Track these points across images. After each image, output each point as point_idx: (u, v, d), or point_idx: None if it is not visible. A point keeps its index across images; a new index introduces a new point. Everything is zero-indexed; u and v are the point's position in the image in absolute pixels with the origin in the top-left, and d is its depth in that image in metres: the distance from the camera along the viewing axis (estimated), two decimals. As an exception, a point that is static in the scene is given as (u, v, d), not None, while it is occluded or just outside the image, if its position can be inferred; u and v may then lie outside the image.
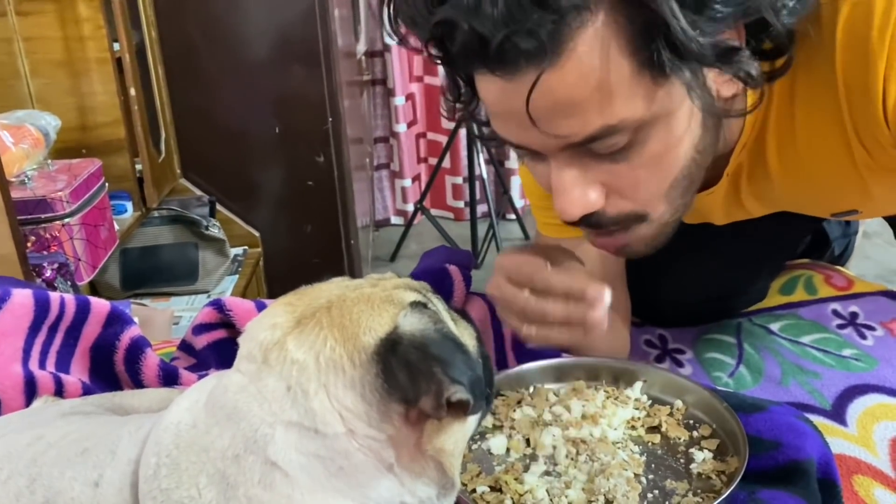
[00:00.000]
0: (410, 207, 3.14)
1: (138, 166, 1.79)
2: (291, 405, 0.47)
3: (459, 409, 0.47)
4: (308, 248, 2.14)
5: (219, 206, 2.06)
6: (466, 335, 0.55)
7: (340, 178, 2.07)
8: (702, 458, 0.67)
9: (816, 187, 0.74)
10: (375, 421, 0.47)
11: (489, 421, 0.74)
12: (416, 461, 0.49)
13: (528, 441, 0.71)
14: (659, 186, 0.65)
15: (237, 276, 1.96)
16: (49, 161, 1.50)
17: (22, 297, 0.80)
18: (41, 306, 0.81)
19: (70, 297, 0.90)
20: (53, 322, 0.83)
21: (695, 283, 1.01)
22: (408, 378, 0.46)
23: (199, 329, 0.92)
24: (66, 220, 1.36)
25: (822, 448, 0.67)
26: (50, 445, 0.54)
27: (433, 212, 3.10)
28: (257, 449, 0.47)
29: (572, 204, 0.63)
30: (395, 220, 3.31)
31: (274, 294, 2.20)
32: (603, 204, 0.64)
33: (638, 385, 0.77)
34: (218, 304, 0.91)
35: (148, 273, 1.87)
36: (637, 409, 0.74)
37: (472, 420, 0.52)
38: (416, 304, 0.50)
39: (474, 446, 0.72)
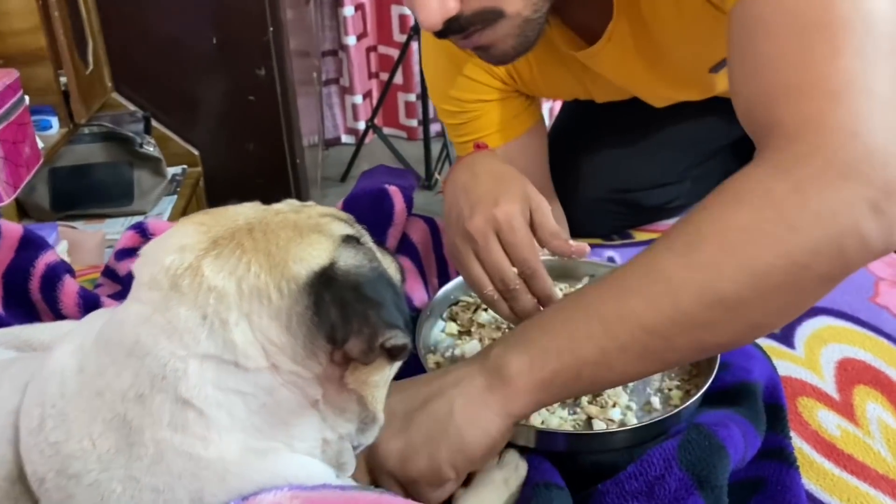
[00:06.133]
0: (362, 126, 3.03)
1: (63, 79, 1.66)
2: (207, 337, 0.43)
3: (391, 354, 0.44)
4: (251, 167, 2.05)
5: (154, 123, 1.95)
6: (392, 270, 0.52)
7: (283, 92, 1.97)
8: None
9: (681, 45, 0.81)
10: (301, 357, 0.44)
11: (454, 328, 0.75)
12: (339, 396, 0.46)
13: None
14: None
15: (176, 196, 1.88)
16: (-41, 71, 1.37)
17: (-84, 221, 0.73)
18: (-61, 230, 0.75)
19: (-24, 221, 0.83)
20: (-45, 247, 0.76)
21: (605, 171, 1.04)
22: (340, 317, 0.43)
23: (123, 254, 0.87)
24: (-20, 136, 1.26)
25: (769, 372, 0.67)
26: None
27: (385, 130, 3.00)
28: (166, 386, 0.42)
29: (432, 13, 0.66)
30: (345, 138, 3.20)
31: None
32: (460, 7, 0.67)
33: (585, 281, 0.79)
34: (141, 228, 0.86)
35: (79, 194, 1.78)
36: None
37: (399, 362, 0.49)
38: (349, 239, 0.46)
39: (447, 354, 0.72)
